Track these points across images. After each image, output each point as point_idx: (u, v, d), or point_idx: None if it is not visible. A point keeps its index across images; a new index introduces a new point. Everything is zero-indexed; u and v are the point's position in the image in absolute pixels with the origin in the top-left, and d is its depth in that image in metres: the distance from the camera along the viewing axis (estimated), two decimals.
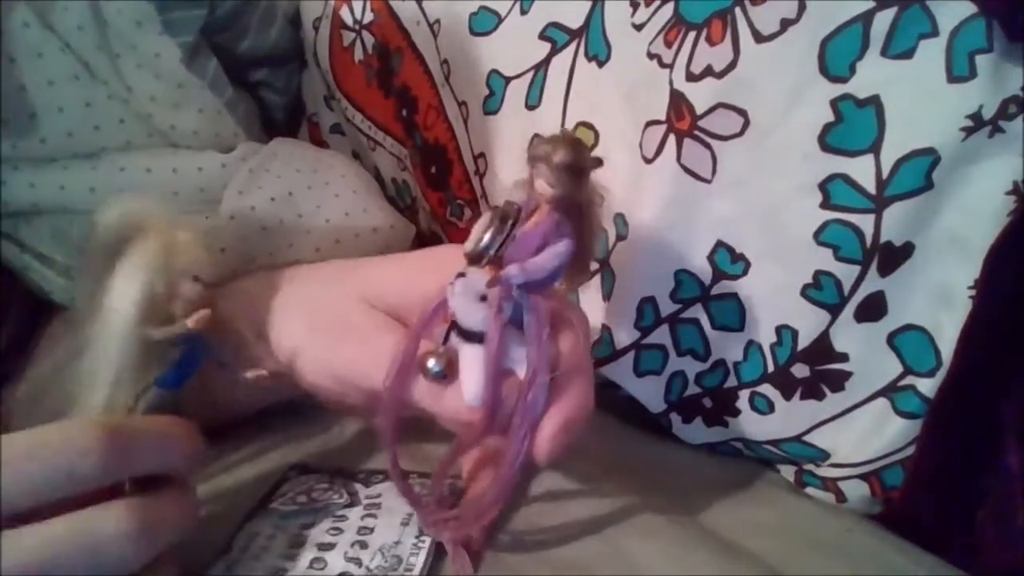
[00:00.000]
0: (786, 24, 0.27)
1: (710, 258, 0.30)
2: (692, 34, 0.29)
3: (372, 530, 0.27)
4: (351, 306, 0.28)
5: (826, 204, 0.27)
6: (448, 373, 0.24)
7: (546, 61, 0.33)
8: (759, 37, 0.27)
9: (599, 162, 0.22)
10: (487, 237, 0.23)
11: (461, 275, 0.23)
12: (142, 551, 0.22)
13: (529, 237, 0.23)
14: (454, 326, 0.24)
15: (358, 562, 0.26)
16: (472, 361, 0.23)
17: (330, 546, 0.26)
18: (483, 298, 0.23)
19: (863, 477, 0.30)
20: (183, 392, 0.27)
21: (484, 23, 0.35)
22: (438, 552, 0.26)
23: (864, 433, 0.30)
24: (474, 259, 0.23)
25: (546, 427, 0.23)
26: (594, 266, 0.33)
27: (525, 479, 0.30)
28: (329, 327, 0.28)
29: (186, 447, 0.24)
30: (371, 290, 0.28)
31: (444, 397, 0.24)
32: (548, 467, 0.24)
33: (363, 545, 0.26)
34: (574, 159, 0.21)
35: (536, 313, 0.23)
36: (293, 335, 0.29)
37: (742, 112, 0.28)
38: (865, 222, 0.27)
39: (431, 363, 0.24)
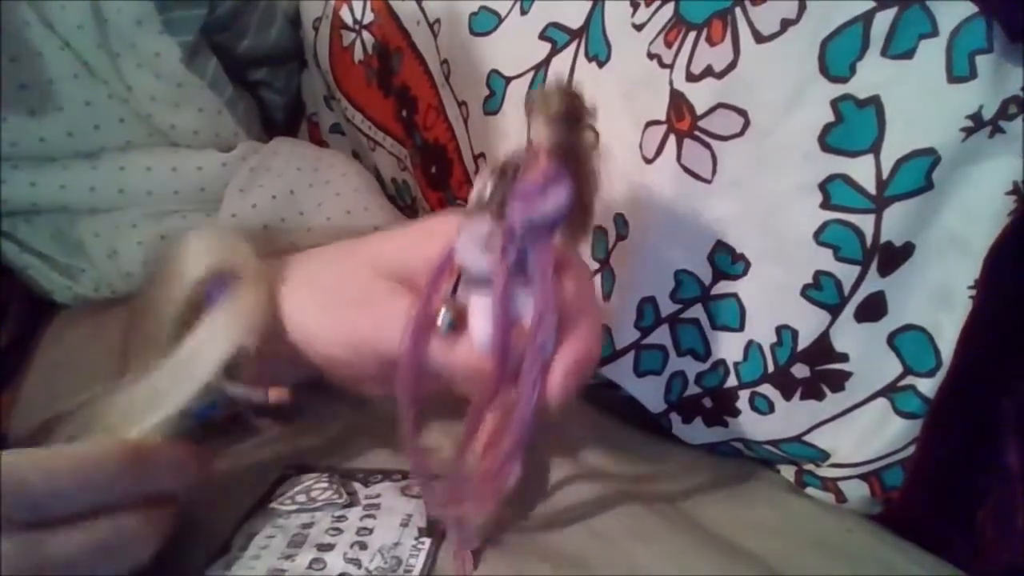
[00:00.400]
0: (786, 24, 0.27)
1: (710, 258, 0.30)
2: (692, 34, 0.29)
3: (371, 531, 0.27)
4: (361, 277, 0.28)
5: (826, 204, 0.27)
6: (458, 325, 0.24)
7: (546, 61, 0.33)
8: (759, 37, 0.27)
9: (594, 112, 0.23)
10: (488, 189, 0.23)
11: (466, 224, 0.23)
12: (152, 551, 0.24)
13: (529, 185, 0.23)
14: (461, 278, 0.24)
15: (357, 563, 0.26)
16: (480, 308, 0.23)
17: (329, 547, 0.26)
18: (488, 244, 0.23)
19: (863, 477, 0.30)
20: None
21: (484, 23, 0.35)
22: (437, 553, 0.26)
23: (864, 433, 0.30)
24: (477, 212, 0.24)
25: (557, 369, 0.23)
26: (594, 266, 0.33)
27: (527, 481, 0.30)
28: (342, 300, 0.28)
29: (196, 471, 0.26)
30: (378, 260, 0.28)
31: (456, 349, 0.24)
32: (559, 413, 0.24)
33: (362, 546, 0.26)
34: (569, 107, 0.22)
35: (540, 255, 0.23)
36: (307, 313, 0.29)
37: (742, 112, 0.28)
38: (865, 222, 0.27)
39: (441, 316, 0.24)
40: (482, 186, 0.23)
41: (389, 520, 0.27)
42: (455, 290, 0.24)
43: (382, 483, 0.30)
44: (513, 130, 0.35)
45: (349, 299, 0.28)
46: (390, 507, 0.28)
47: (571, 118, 0.22)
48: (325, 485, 0.29)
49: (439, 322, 0.24)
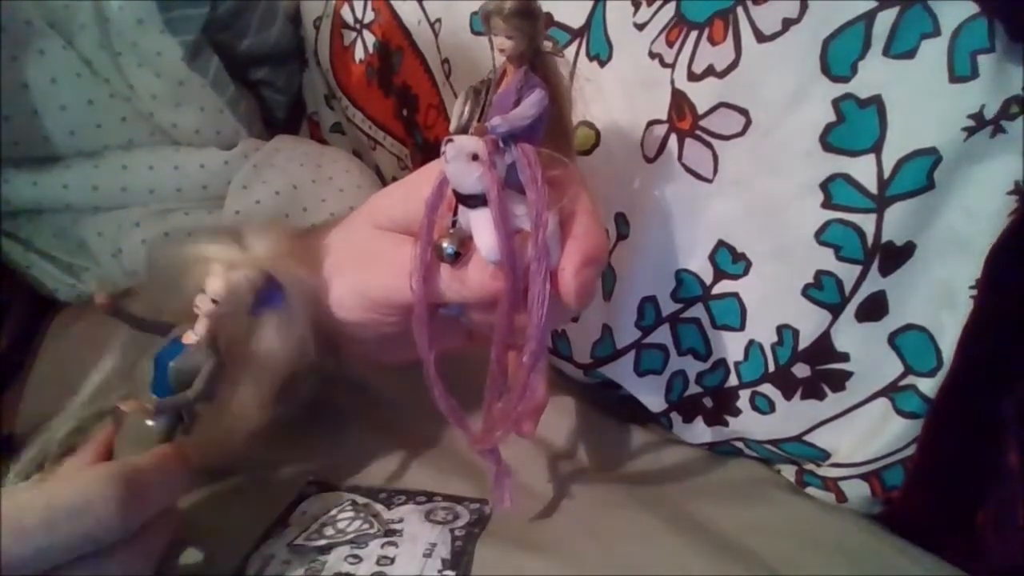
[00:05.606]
0: (788, 24, 0.26)
1: (711, 258, 0.30)
2: (694, 33, 0.29)
3: (392, 560, 0.26)
4: (366, 236, 0.29)
5: (827, 204, 0.27)
6: (463, 251, 0.24)
7: None
8: (761, 37, 0.27)
9: (546, 13, 0.23)
10: (466, 111, 0.24)
11: (449, 140, 0.23)
12: (130, 517, 0.23)
13: (504, 96, 0.23)
14: (457, 205, 0.24)
15: None
16: (482, 222, 0.23)
17: None
18: (475, 157, 0.23)
19: (864, 477, 0.30)
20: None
21: None
22: None
23: (865, 433, 0.30)
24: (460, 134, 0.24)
25: (567, 266, 0.23)
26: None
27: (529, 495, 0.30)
28: (353, 262, 0.28)
29: (183, 474, 0.25)
30: (378, 217, 0.29)
31: (467, 274, 0.24)
32: (578, 307, 0.24)
33: None
34: (523, 3, 0.22)
35: (527, 158, 0.23)
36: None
37: (743, 112, 0.28)
38: (866, 222, 0.27)
39: (444, 245, 0.24)
40: (460, 109, 0.24)
41: (411, 549, 0.26)
42: (454, 223, 0.24)
43: (405, 505, 0.29)
44: None
45: (358, 261, 0.28)
46: (413, 535, 0.27)
47: (527, 13, 0.22)
48: (351, 515, 0.28)
49: (444, 247, 0.24)
